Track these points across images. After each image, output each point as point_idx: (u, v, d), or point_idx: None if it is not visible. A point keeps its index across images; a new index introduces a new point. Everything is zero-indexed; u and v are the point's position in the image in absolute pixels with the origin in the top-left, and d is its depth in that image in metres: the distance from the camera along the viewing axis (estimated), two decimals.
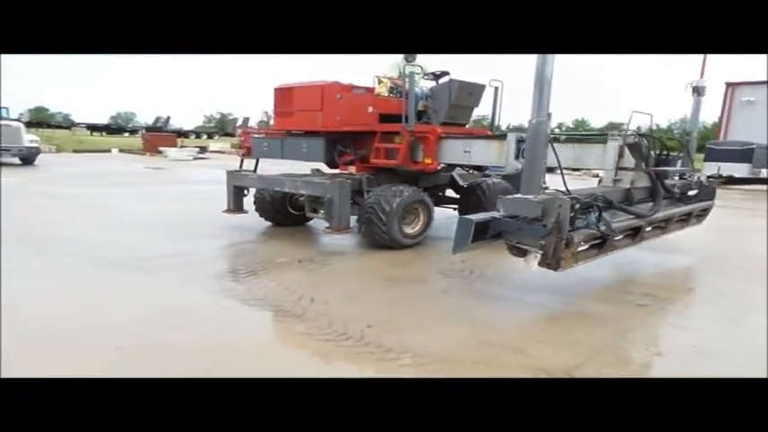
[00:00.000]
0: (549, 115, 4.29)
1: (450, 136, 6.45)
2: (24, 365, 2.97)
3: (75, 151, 26.79)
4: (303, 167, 7.80)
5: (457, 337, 3.67)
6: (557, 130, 5.09)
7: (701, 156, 18.10)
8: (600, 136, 5.39)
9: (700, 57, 6.53)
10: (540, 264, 4.00)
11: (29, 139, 17.27)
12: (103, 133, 43.98)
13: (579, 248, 4.22)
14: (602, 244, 4.47)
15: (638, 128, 5.56)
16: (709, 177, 6.85)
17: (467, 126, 7.37)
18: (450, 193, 8.14)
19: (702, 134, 6.72)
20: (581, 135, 6.02)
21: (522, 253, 4.14)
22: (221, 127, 58.52)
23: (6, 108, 18.29)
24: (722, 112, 24.93)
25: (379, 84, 7.01)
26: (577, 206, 4.10)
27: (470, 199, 7.59)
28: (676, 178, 6.23)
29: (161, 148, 26.78)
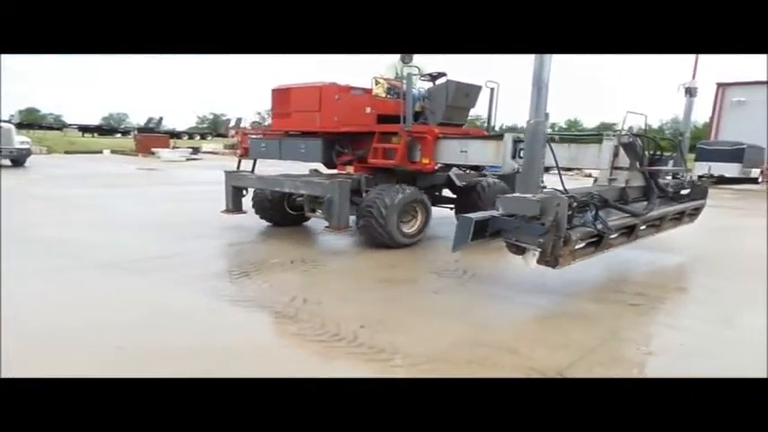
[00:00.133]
0: (546, 115, 4.36)
1: (448, 136, 6.51)
2: (16, 366, 2.96)
3: (66, 152, 26.62)
4: (299, 168, 7.85)
5: (450, 337, 3.68)
6: (549, 131, 5.14)
7: (693, 156, 18.29)
8: (595, 136, 5.47)
9: (691, 58, 6.60)
10: (539, 261, 4.07)
11: (19, 140, 17.10)
12: (95, 134, 43.74)
13: (576, 246, 4.30)
14: (598, 242, 4.55)
15: (630, 128, 5.64)
16: (700, 177, 6.94)
17: (463, 126, 7.44)
18: (446, 192, 8.21)
19: (693, 134, 6.81)
20: (577, 135, 6.10)
21: (520, 251, 4.22)
22: (214, 128, 58.34)
23: None
24: (713, 113, 25.18)
25: (377, 85, 7.07)
26: (575, 205, 4.19)
27: (468, 199, 7.66)
28: (669, 178, 6.33)
29: (153, 149, 26.70)
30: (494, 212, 4.32)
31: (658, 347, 3.73)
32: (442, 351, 3.41)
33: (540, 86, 4.21)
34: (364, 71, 7.28)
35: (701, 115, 29.52)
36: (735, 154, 18.49)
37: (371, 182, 6.63)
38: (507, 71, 8.83)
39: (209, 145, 35.74)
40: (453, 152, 6.40)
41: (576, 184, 4.74)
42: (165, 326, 3.75)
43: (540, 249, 4.02)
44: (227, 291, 4.54)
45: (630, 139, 5.19)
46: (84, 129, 44.86)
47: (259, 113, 77.67)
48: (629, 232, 5.10)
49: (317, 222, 7.63)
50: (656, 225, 5.68)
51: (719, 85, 24.89)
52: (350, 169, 6.95)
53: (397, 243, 6.24)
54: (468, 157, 6.29)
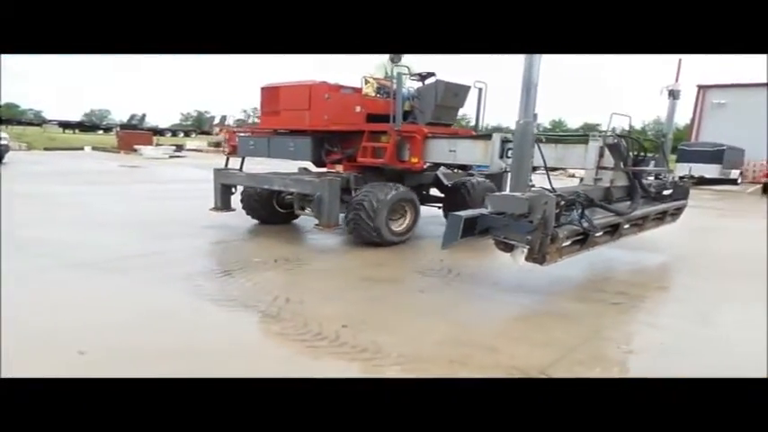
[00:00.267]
0: (535, 116, 4.46)
1: (437, 136, 6.59)
2: None
3: (46, 149, 26.20)
4: (286, 166, 7.86)
5: (433, 336, 3.67)
6: (534, 131, 5.25)
7: (674, 157, 18.61)
8: (581, 137, 5.58)
9: (674, 61, 6.74)
10: (527, 258, 4.16)
11: None
12: (76, 131, 43.17)
13: (563, 244, 4.40)
14: (584, 240, 4.66)
15: (614, 129, 5.76)
16: (681, 178, 7.10)
17: (452, 126, 7.52)
18: (434, 191, 8.29)
19: (675, 135, 6.96)
20: (563, 136, 6.20)
21: (509, 248, 4.31)
22: (198, 125, 57.94)
23: None
24: (694, 114, 25.64)
25: (366, 84, 7.12)
26: (562, 204, 4.28)
27: (455, 197, 7.76)
28: (652, 178, 6.48)
29: (136, 146, 26.44)
30: (483, 210, 4.40)
31: (639, 346, 3.77)
32: (425, 350, 3.41)
33: (529, 87, 4.30)
34: (353, 70, 7.34)
35: (681, 117, 30.06)
36: (715, 155, 18.86)
37: (360, 180, 6.68)
38: (491, 71, 8.92)
39: (193, 142, 35.45)
40: (442, 151, 6.47)
41: (560, 183, 4.81)
42: (144, 326, 3.69)
43: (528, 247, 4.11)
44: (210, 290, 4.50)
45: (615, 140, 5.32)
46: (65, 125, 44.28)
47: (244, 111, 77.38)
48: (614, 231, 5.22)
49: (305, 220, 7.66)
50: (640, 224, 5.81)
51: (700, 87, 25.33)
52: (339, 168, 7.00)
53: (386, 241, 6.30)
54: (456, 156, 6.37)
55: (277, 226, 7.53)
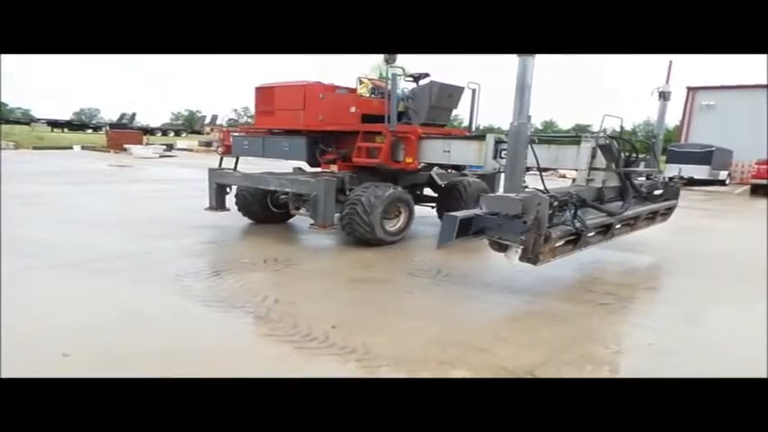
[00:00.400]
0: (528, 118, 4.52)
1: (431, 136, 6.63)
2: None
3: (34, 148, 26.02)
4: (280, 166, 7.88)
5: (422, 337, 3.67)
6: (528, 133, 5.29)
7: (664, 158, 18.79)
8: (574, 138, 5.65)
9: (665, 63, 6.83)
10: (521, 258, 4.22)
11: None
12: (65, 129, 42.79)
13: (556, 244, 4.46)
14: (576, 240, 4.72)
15: (604, 130, 5.82)
16: (671, 179, 7.19)
17: (446, 127, 7.58)
18: (428, 191, 8.34)
19: (665, 136, 7.05)
20: (556, 137, 6.27)
21: (502, 248, 4.37)
22: (189, 125, 57.64)
23: None
24: (683, 116, 25.89)
25: (361, 84, 7.15)
26: (555, 204, 4.35)
27: (449, 198, 7.81)
28: (643, 178, 6.57)
29: (126, 146, 26.32)
30: (477, 211, 4.46)
31: (627, 347, 3.78)
32: (414, 351, 3.42)
33: (523, 89, 4.36)
34: (348, 71, 7.39)
35: (671, 118, 30.37)
36: (704, 156, 19.05)
37: (355, 180, 6.71)
38: (483, 72, 8.99)
39: (183, 142, 35.30)
40: (436, 152, 6.52)
41: (551, 184, 4.84)
42: (129, 328, 3.66)
43: (521, 247, 4.16)
44: (198, 291, 4.47)
45: (607, 141, 5.40)
46: (54, 124, 43.79)
47: (235, 110, 77.21)
48: (606, 231, 5.29)
49: (299, 220, 7.69)
50: (631, 224, 5.90)
51: (689, 89, 25.56)
52: (334, 168, 7.04)
53: (381, 241, 6.34)
54: (450, 156, 6.42)
55: (269, 226, 7.54)
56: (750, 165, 19.54)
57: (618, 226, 5.53)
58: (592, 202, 5.15)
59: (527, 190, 4.45)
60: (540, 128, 53.93)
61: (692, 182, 17.61)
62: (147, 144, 28.85)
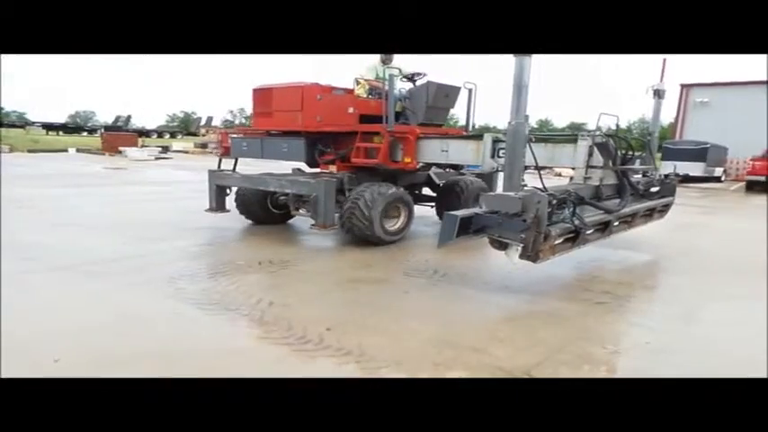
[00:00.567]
0: (526, 117, 4.56)
1: (429, 136, 6.67)
2: None
3: (29, 151, 25.97)
4: (278, 167, 7.90)
5: (418, 338, 3.66)
6: (525, 132, 5.33)
7: (659, 155, 18.85)
8: (570, 136, 5.70)
9: (658, 61, 6.88)
10: (521, 256, 4.26)
11: None
12: (60, 132, 42.67)
13: (555, 242, 4.50)
14: (575, 237, 4.76)
15: (599, 128, 5.87)
16: (666, 176, 7.24)
17: (443, 126, 7.62)
18: (426, 191, 8.38)
19: (660, 134, 7.11)
20: (552, 135, 6.32)
21: (503, 246, 4.40)
22: (185, 126, 57.55)
23: None
24: (677, 113, 26.01)
25: (358, 85, 7.19)
26: (554, 202, 4.38)
27: (448, 197, 7.86)
28: (639, 176, 6.62)
29: (121, 148, 26.27)
30: (477, 210, 4.50)
31: (624, 346, 3.77)
32: (410, 352, 3.41)
33: (520, 89, 4.42)
34: (344, 71, 7.42)
35: (666, 115, 30.47)
36: (699, 153, 19.12)
37: (354, 181, 6.74)
38: (479, 72, 9.03)
39: (179, 144, 35.24)
40: (434, 151, 6.56)
41: (547, 183, 4.84)
42: (122, 331, 3.64)
43: (521, 244, 4.20)
44: (192, 293, 4.45)
45: (604, 140, 5.45)
46: (49, 127, 43.73)
47: (231, 111, 77.12)
48: (604, 228, 5.34)
49: (299, 220, 7.72)
50: (629, 221, 5.95)
51: (683, 86, 25.68)
52: (332, 168, 7.06)
53: (381, 240, 6.37)
54: (448, 156, 6.46)
55: (267, 227, 7.56)
56: (745, 161, 19.63)
57: (616, 223, 5.58)
58: (590, 200, 5.19)
59: (526, 188, 4.48)
60: (536, 126, 54.11)
61: (687, 179, 17.69)
62: (142, 146, 28.77)
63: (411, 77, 7.31)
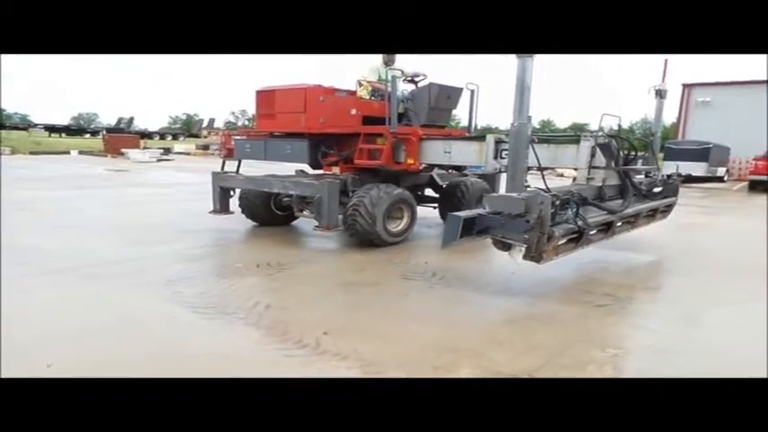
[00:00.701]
0: (529, 118, 4.58)
1: (431, 137, 6.70)
2: None
3: (31, 153, 26.12)
4: (281, 168, 7.92)
5: (416, 342, 3.61)
6: (528, 133, 5.34)
7: (661, 155, 18.81)
8: (572, 137, 5.71)
9: (660, 61, 6.89)
10: (525, 257, 4.27)
11: None
12: (63, 134, 42.81)
13: (559, 242, 4.51)
14: (578, 238, 4.78)
15: (602, 128, 5.88)
16: (669, 176, 7.24)
17: (445, 128, 7.64)
18: (429, 192, 8.40)
19: (662, 134, 7.11)
20: (555, 136, 6.34)
21: (506, 247, 4.42)
22: (187, 128, 57.70)
23: None
24: (679, 113, 25.98)
25: (361, 87, 7.21)
26: (557, 203, 4.40)
27: (451, 198, 7.88)
28: (642, 176, 6.63)
29: (123, 150, 26.40)
30: (481, 211, 4.51)
31: (626, 349, 3.71)
32: (408, 357, 3.37)
33: (522, 90, 4.43)
34: (346, 72, 7.44)
35: (668, 115, 30.44)
36: (701, 153, 19.08)
37: (357, 182, 6.77)
38: (478, 73, 9.05)
39: (181, 145, 35.35)
40: (437, 153, 6.58)
41: (550, 183, 4.82)
42: (116, 335, 3.60)
43: (525, 245, 4.22)
44: (189, 296, 4.41)
45: (606, 140, 5.46)
46: (51, 129, 43.88)
47: (233, 113, 77.28)
48: (607, 229, 5.35)
49: (302, 222, 7.74)
50: (632, 221, 5.95)
51: (685, 85, 25.63)
52: (336, 170, 7.08)
53: (383, 241, 6.39)
54: (451, 157, 6.49)
55: (267, 229, 7.57)
56: (748, 161, 19.61)
57: (619, 224, 5.59)
58: (593, 201, 5.21)
59: (529, 189, 4.50)
60: (538, 127, 54.07)
61: (689, 179, 17.66)
62: (144, 148, 28.86)
63: (413, 79, 7.35)
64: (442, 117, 7.41)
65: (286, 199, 7.37)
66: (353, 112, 6.93)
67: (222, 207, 7.47)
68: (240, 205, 7.67)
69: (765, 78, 21.38)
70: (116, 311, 4.06)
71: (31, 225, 7.49)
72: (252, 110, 7.62)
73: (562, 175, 14.27)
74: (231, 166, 7.90)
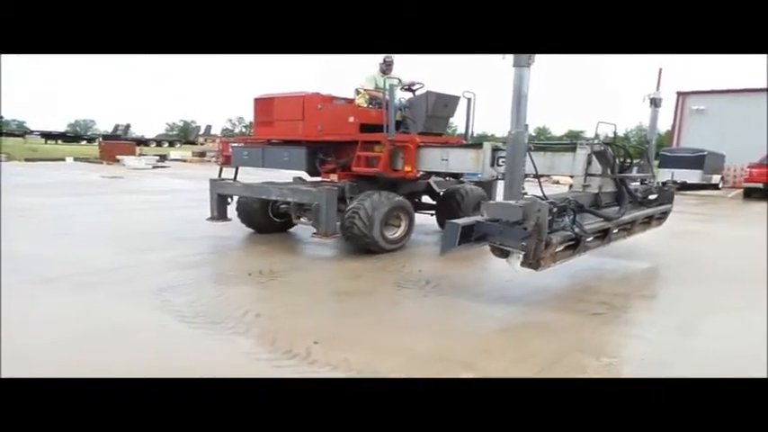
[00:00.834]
0: (526, 126, 4.62)
1: (429, 145, 6.74)
2: None
3: (27, 160, 26.02)
4: (278, 175, 7.95)
5: (407, 351, 3.56)
6: (525, 141, 5.37)
7: (656, 162, 18.90)
8: (569, 145, 5.76)
9: (655, 69, 6.96)
10: (523, 264, 4.29)
11: None
12: (59, 141, 42.74)
13: (556, 249, 4.54)
14: (576, 245, 4.80)
15: (598, 136, 5.92)
16: (664, 183, 7.29)
17: (443, 135, 7.69)
18: (426, 199, 8.43)
19: (657, 141, 7.16)
20: (551, 144, 6.39)
21: (504, 254, 4.44)
22: (184, 135, 57.73)
23: None
24: (674, 121, 26.14)
25: (359, 95, 7.26)
26: (554, 210, 4.43)
27: (448, 205, 7.92)
28: (637, 183, 6.68)
29: (119, 157, 26.35)
30: (479, 218, 4.54)
31: (620, 359, 3.67)
32: (399, 367, 3.32)
33: (520, 99, 4.49)
34: (342, 83, 7.49)
35: (662, 123, 30.60)
36: (696, 161, 19.18)
37: (355, 189, 6.79)
38: (474, 82, 9.12)
39: (177, 152, 35.34)
40: (435, 160, 6.62)
41: (546, 191, 4.83)
42: (102, 346, 3.54)
43: (523, 252, 4.24)
44: (178, 305, 4.35)
45: (602, 148, 5.51)
46: (48, 135, 43.80)
47: (230, 120, 77.40)
48: (604, 236, 5.38)
49: (299, 229, 7.75)
50: (628, 228, 5.99)
51: (679, 93, 25.82)
52: (333, 177, 7.11)
53: (381, 248, 6.40)
54: (449, 165, 6.53)
55: (268, 236, 7.57)
56: (742, 168, 19.72)
57: (615, 231, 5.63)
58: (589, 208, 5.24)
59: (526, 197, 4.53)
60: (534, 135, 54.28)
61: (684, 186, 17.74)
62: (140, 155, 28.85)
63: (410, 87, 7.40)
64: (439, 125, 7.46)
65: (284, 206, 7.39)
66: (351, 119, 6.97)
67: (220, 214, 7.49)
68: (238, 212, 7.67)
69: (758, 86, 21.59)
70: (103, 321, 4.00)
71: (24, 232, 7.42)
72: (249, 117, 7.69)
73: (558, 183, 14.32)
74: (230, 173, 7.91)
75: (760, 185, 16.92)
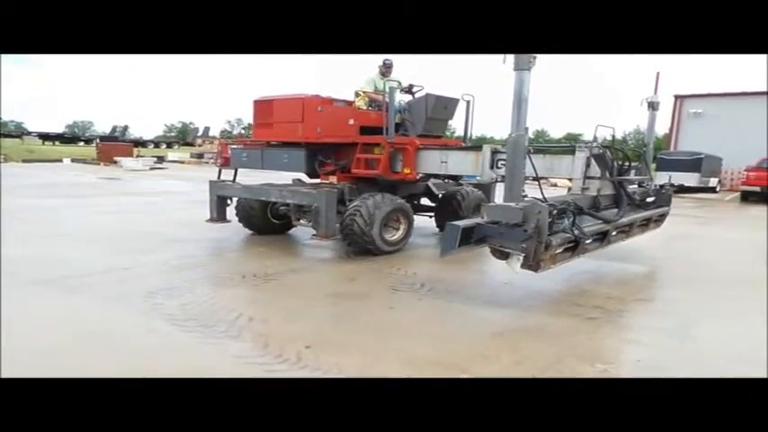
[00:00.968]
0: (526, 129, 4.65)
1: (428, 147, 6.76)
2: None
3: (24, 161, 26.02)
4: (277, 177, 7.96)
5: (400, 356, 3.51)
6: (525, 144, 5.39)
7: (654, 165, 18.94)
8: (568, 148, 5.78)
9: (653, 72, 7.00)
10: (523, 266, 4.31)
11: None
12: (56, 142, 42.63)
13: (556, 251, 4.56)
14: (575, 247, 4.82)
15: (596, 139, 5.95)
16: (662, 186, 7.32)
17: (442, 138, 7.71)
18: (425, 201, 8.45)
19: (654, 144, 7.21)
20: (550, 147, 6.42)
21: (504, 256, 4.45)
22: (182, 136, 57.68)
23: None
24: (672, 124, 26.22)
25: (358, 97, 7.28)
26: (554, 212, 4.45)
27: (448, 207, 7.94)
28: (635, 186, 6.71)
29: (116, 158, 26.35)
30: (479, 220, 4.56)
31: (615, 364, 3.63)
32: (390, 372, 3.27)
33: (520, 102, 4.51)
34: (342, 85, 7.48)
35: (660, 126, 30.69)
36: (693, 164, 19.19)
37: (354, 191, 6.81)
38: (473, 84, 9.14)
39: (175, 154, 35.30)
40: (434, 162, 6.64)
41: (545, 193, 4.85)
42: (89, 350, 3.49)
43: (523, 254, 4.26)
44: (169, 308, 4.30)
45: (601, 151, 5.54)
46: (45, 136, 43.65)
47: (228, 121, 77.36)
48: (602, 238, 5.40)
49: (299, 230, 7.75)
50: (626, 231, 6.02)
51: (677, 97, 25.91)
52: (333, 179, 7.12)
53: (380, 251, 6.41)
54: (448, 167, 6.55)
55: (267, 238, 7.58)
56: (740, 171, 19.77)
57: (614, 233, 5.65)
58: (588, 210, 5.27)
59: (526, 199, 4.55)
60: (533, 137, 54.29)
61: (682, 189, 17.77)
62: (137, 156, 28.81)
63: (410, 90, 7.42)
64: (438, 127, 7.49)
65: (283, 208, 7.40)
66: (351, 122, 7.00)
67: (219, 216, 7.49)
68: (237, 214, 7.68)
69: (756, 90, 21.67)
70: (91, 325, 3.96)
71: (18, 234, 7.36)
72: (248, 118, 7.71)
73: (556, 185, 14.34)
74: (229, 175, 7.92)
75: (757, 189, 16.97)
